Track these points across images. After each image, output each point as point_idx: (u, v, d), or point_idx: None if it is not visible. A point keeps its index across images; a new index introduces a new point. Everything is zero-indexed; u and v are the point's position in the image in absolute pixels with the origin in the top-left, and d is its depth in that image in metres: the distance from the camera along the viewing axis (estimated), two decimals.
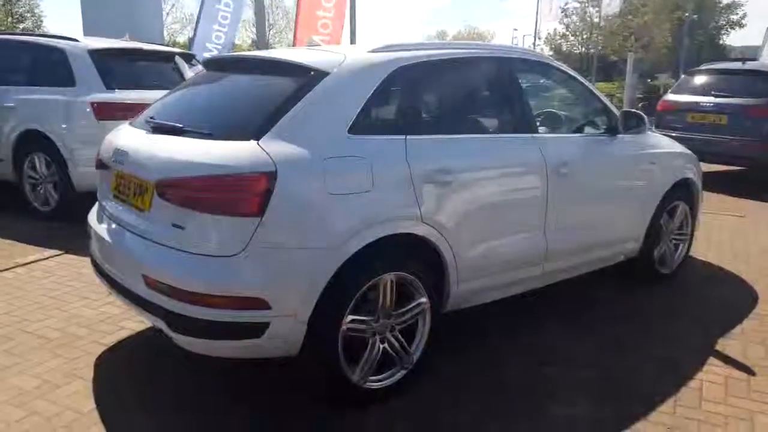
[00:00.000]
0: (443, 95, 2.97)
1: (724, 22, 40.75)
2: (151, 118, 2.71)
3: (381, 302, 2.47)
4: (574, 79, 3.61)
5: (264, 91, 2.61)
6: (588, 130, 3.62)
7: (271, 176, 2.16)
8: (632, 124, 3.59)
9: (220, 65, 3.16)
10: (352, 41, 9.26)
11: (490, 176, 2.86)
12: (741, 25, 40.58)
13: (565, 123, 3.69)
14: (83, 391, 2.58)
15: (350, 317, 2.37)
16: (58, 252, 4.39)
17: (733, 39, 48.09)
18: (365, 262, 2.35)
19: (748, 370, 2.88)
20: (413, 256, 2.57)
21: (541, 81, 3.65)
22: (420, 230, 2.53)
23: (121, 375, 2.77)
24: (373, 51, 2.69)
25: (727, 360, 2.98)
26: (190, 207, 2.21)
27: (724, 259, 4.62)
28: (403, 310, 2.56)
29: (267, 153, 2.20)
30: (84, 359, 2.85)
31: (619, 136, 3.56)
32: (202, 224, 2.20)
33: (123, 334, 3.13)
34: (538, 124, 3.29)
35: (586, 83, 3.66)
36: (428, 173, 2.55)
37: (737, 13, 40.19)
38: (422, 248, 2.60)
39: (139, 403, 2.53)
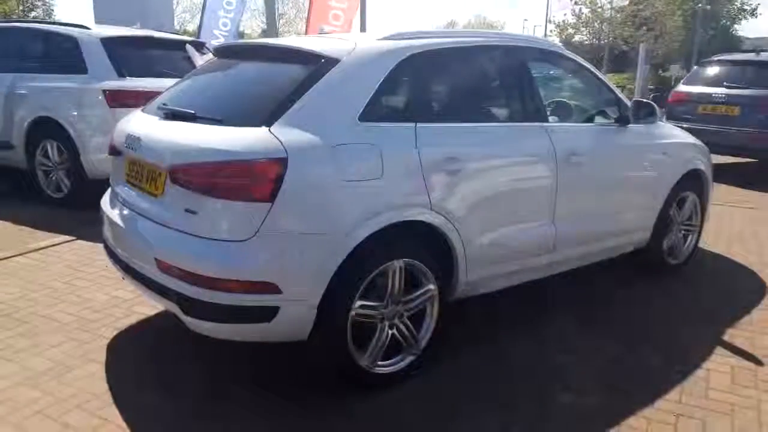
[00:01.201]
0: (453, 83, 2.97)
1: (735, 13, 40.13)
2: (164, 104, 2.73)
3: (390, 288, 2.49)
4: (585, 68, 3.59)
5: (275, 78, 2.63)
6: (598, 119, 3.61)
7: (282, 162, 2.18)
8: (643, 114, 3.57)
9: (230, 53, 3.17)
10: (363, 32, 9.26)
11: (499, 165, 2.87)
12: (754, 15, 39.99)
13: (575, 112, 3.68)
14: (96, 374, 2.62)
15: (359, 303, 2.39)
16: (70, 238, 4.44)
17: (746, 30, 47.47)
18: (374, 248, 2.37)
19: (755, 360, 2.89)
20: (422, 244, 2.59)
21: (552, 71, 3.63)
22: (429, 218, 2.55)
23: (133, 358, 2.81)
24: (384, 39, 2.70)
25: (735, 349, 2.99)
26: (203, 192, 2.23)
27: (734, 251, 4.61)
28: (412, 296, 2.58)
29: (278, 139, 2.21)
30: (97, 342, 2.90)
31: (630, 126, 3.55)
32: (214, 209, 2.23)
33: (135, 318, 3.18)
34: (548, 113, 3.28)
35: (597, 73, 3.64)
36: (438, 161, 2.56)
37: (750, 4, 39.64)
38: (431, 235, 2.62)
39: (151, 386, 2.56)
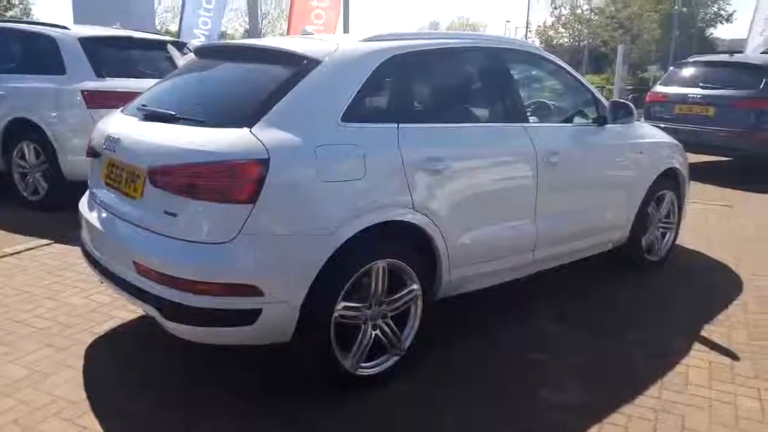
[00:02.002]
0: (435, 84, 2.99)
1: (712, 16, 40.94)
2: (143, 105, 2.70)
3: (373, 289, 2.49)
4: (564, 70, 3.63)
5: (256, 78, 2.62)
6: (577, 120, 3.65)
7: (264, 163, 2.17)
8: (620, 114, 3.63)
9: (211, 53, 3.15)
10: (346, 32, 9.25)
11: (481, 165, 2.89)
12: (730, 20, 40.86)
13: (554, 113, 3.72)
14: (74, 381, 2.57)
15: (342, 304, 2.38)
16: (47, 241, 4.37)
17: (722, 32, 48.37)
18: (358, 248, 2.37)
19: (732, 355, 2.94)
20: (405, 244, 2.60)
21: (532, 72, 3.67)
22: (412, 218, 2.55)
23: (112, 364, 2.76)
24: (366, 40, 2.70)
25: (712, 345, 3.04)
26: (183, 194, 2.21)
27: (710, 248, 4.69)
28: (395, 297, 2.58)
29: (260, 140, 2.20)
30: (75, 348, 2.85)
31: (608, 126, 3.60)
32: (194, 211, 2.21)
33: (114, 323, 3.13)
34: (528, 113, 3.31)
35: (576, 74, 3.68)
36: (420, 161, 2.57)
37: (726, 9, 40.45)
38: (414, 235, 2.62)
39: (130, 392, 2.53)
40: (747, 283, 3.94)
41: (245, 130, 2.24)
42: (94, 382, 2.58)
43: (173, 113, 2.47)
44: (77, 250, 3.63)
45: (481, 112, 3.15)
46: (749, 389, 2.64)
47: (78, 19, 9.65)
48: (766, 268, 4.25)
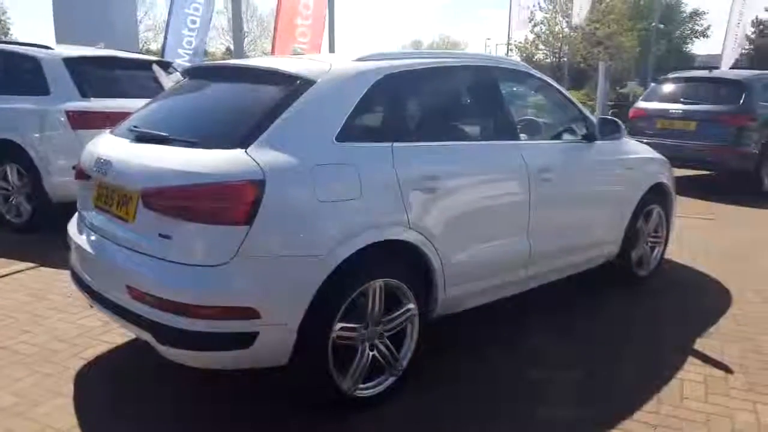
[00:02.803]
0: (429, 103, 3.00)
1: (688, 32, 41.92)
2: (135, 127, 2.67)
3: (370, 309, 2.47)
4: (553, 87, 3.68)
5: (250, 99, 2.61)
6: (566, 136, 3.69)
7: (260, 184, 2.15)
8: (608, 130, 3.68)
9: (202, 74, 3.14)
10: (331, 50, 9.28)
11: (475, 182, 2.90)
12: (705, 36, 41.89)
13: (544, 130, 3.76)
14: (64, 408, 2.51)
15: (340, 325, 2.36)
16: (31, 265, 4.28)
17: (698, 48, 49.46)
18: (354, 269, 2.36)
19: (727, 369, 2.95)
20: (401, 262, 2.59)
21: (522, 89, 3.71)
22: (408, 236, 2.55)
23: (102, 390, 2.70)
24: (359, 59, 2.71)
25: (706, 359, 3.05)
26: (178, 216, 2.18)
27: (698, 261, 4.74)
28: (392, 316, 2.56)
29: (255, 161, 2.19)
30: (63, 375, 2.78)
31: (597, 142, 3.64)
32: (189, 234, 2.18)
33: (103, 348, 3.07)
34: (519, 131, 3.34)
35: (564, 91, 3.73)
36: (415, 180, 2.57)
37: (701, 24, 41.47)
38: (410, 254, 2.62)
39: (122, 418, 2.47)
40: (735, 296, 3.98)
41: (240, 151, 2.22)
42: (85, 410, 2.51)
43: (166, 135, 2.45)
44: (62, 273, 3.56)
45: (475, 129, 3.17)
46: (744, 402, 2.65)
47: (59, 39, 9.59)
48: (752, 280, 4.31)
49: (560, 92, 3.70)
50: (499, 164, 3.05)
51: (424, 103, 2.98)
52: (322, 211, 2.29)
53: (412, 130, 2.84)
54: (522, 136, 3.31)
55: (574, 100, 3.76)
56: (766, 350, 3.18)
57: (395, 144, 2.58)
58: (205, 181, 2.16)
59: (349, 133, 2.46)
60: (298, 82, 2.49)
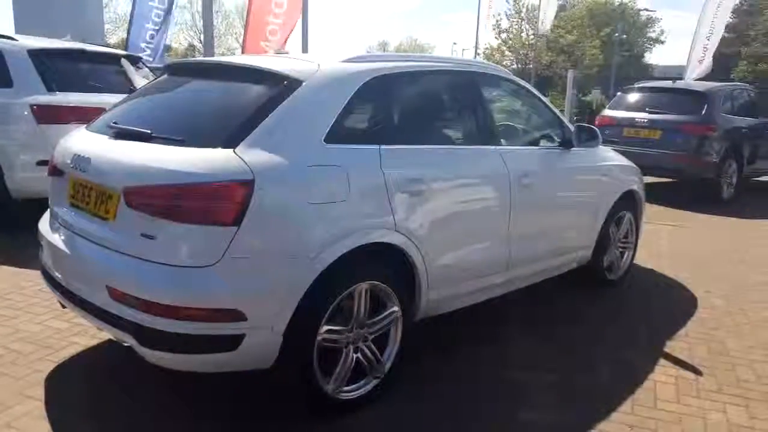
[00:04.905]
0: (416, 106, 3.01)
1: (647, 42, 43.33)
2: (114, 123, 2.60)
3: (356, 312, 2.46)
4: (533, 95, 3.74)
5: (237, 98, 2.57)
6: (544, 143, 3.75)
7: (249, 185, 2.12)
8: (585, 137, 3.75)
9: (186, 70, 3.07)
10: (304, 50, 9.20)
11: (459, 186, 2.92)
12: (661, 42, 43.36)
13: (522, 136, 3.82)
14: (34, 412, 2.43)
15: (326, 327, 2.35)
16: None
17: (656, 57, 51.18)
18: (342, 271, 2.34)
19: (696, 370, 3.05)
20: (386, 265, 2.58)
21: (503, 95, 3.75)
22: (394, 239, 2.55)
23: (74, 393, 2.63)
24: (347, 60, 2.70)
25: (676, 361, 3.15)
26: (163, 216, 2.13)
27: (664, 266, 4.88)
28: (377, 319, 2.56)
29: (244, 161, 2.15)
30: (33, 377, 2.69)
31: (573, 149, 3.71)
32: (175, 234, 2.13)
33: (74, 349, 2.98)
34: (500, 136, 3.37)
35: (544, 99, 3.80)
36: (402, 182, 2.58)
37: (654, 30, 43.00)
38: (395, 256, 2.62)
39: (96, 422, 2.40)
40: (701, 300, 4.12)
41: (229, 150, 2.18)
42: (56, 413, 2.44)
43: (149, 132, 2.38)
44: (30, 272, 3.43)
45: (459, 134, 3.20)
46: (715, 403, 2.74)
47: (20, 30, 9.27)
48: (717, 284, 4.46)
49: (540, 100, 3.76)
50: (483, 168, 3.08)
51: (412, 106, 2.98)
52: (311, 212, 2.27)
53: (399, 132, 2.84)
54: (503, 141, 3.35)
55: (553, 107, 3.82)
56: (731, 352, 3.30)
57: (383, 146, 2.58)
58: (193, 180, 2.11)
59: (338, 134, 2.44)
60: (286, 82, 2.46)
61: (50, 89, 4.88)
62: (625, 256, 4.43)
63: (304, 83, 2.45)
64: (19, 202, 4.85)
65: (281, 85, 2.44)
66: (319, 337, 2.32)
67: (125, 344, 2.25)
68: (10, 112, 4.80)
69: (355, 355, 2.50)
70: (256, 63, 2.68)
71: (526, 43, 34.04)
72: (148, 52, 10.65)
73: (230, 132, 2.26)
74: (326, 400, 2.42)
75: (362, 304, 2.47)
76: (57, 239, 2.58)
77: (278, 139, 2.28)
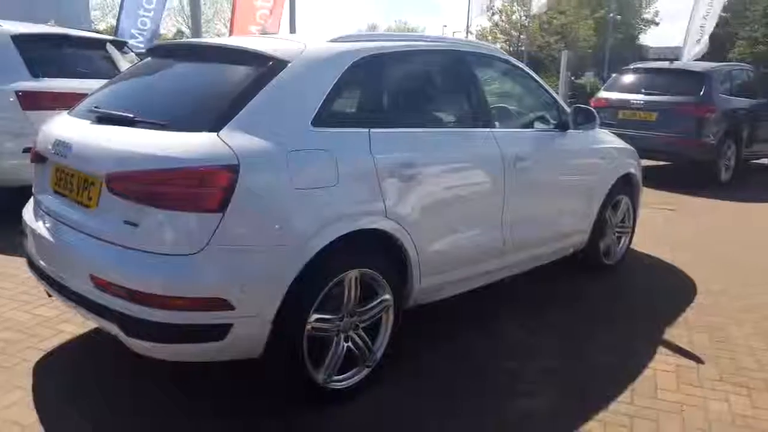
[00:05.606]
0: (406, 87, 2.92)
1: (641, 23, 43.09)
2: (96, 107, 2.51)
3: (345, 300, 2.40)
4: (529, 75, 3.65)
5: (221, 80, 2.48)
6: (539, 125, 3.67)
7: (234, 170, 2.05)
8: (582, 119, 3.66)
9: (168, 53, 2.97)
10: (292, 32, 9.07)
11: (451, 170, 2.85)
12: (655, 23, 43.15)
13: (517, 118, 3.74)
14: (23, 402, 2.39)
15: (315, 316, 2.29)
16: None
17: (650, 38, 50.90)
18: (331, 258, 2.28)
19: (696, 359, 2.99)
20: (377, 252, 2.53)
21: (497, 76, 3.66)
22: (385, 225, 2.48)
23: (63, 382, 2.57)
24: (334, 40, 2.61)
25: (677, 349, 3.09)
26: (146, 202, 2.06)
27: (661, 251, 4.81)
28: (367, 307, 2.50)
29: (228, 145, 2.08)
30: (21, 367, 2.64)
31: (570, 131, 3.63)
32: (158, 221, 2.06)
33: (63, 337, 2.93)
34: (494, 118, 3.29)
35: (539, 80, 3.71)
36: (392, 167, 2.50)
37: (648, 11, 42.77)
38: (386, 243, 2.55)
39: (85, 411, 2.36)
40: (699, 286, 4.05)
41: (213, 134, 2.11)
42: (45, 403, 2.40)
43: (131, 116, 2.30)
44: (15, 260, 3.36)
45: (451, 116, 3.12)
46: (717, 392, 2.68)
47: (1, 16, 9.08)
48: (715, 270, 4.40)
49: (536, 81, 3.67)
50: (476, 152, 3.00)
51: (402, 87, 2.89)
52: (299, 198, 2.20)
53: (389, 115, 2.76)
54: (497, 123, 3.27)
55: (549, 88, 3.74)
56: (733, 339, 3.24)
57: (372, 130, 2.50)
58: (175, 165, 2.03)
59: (326, 117, 2.37)
60: (271, 63, 2.37)
61: (35, 75, 4.79)
62: (622, 240, 4.37)
63: (289, 64, 2.36)
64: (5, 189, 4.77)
65: (266, 67, 2.35)
66: (308, 326, 2.27)
67: (111, 334, 2.19)
68: None
69: (345, 344, 2.45)
70: (241, 44, 2.59)
71: (519, 24, 33.77)
72: (140, 38, 10.48)
73: (214, 115, 2.18)
74: (316, 390, 2.36)
75: (352, 292, 2.41)
76: (41, 227, 2.51)
77: (264, 122, 2.20)
